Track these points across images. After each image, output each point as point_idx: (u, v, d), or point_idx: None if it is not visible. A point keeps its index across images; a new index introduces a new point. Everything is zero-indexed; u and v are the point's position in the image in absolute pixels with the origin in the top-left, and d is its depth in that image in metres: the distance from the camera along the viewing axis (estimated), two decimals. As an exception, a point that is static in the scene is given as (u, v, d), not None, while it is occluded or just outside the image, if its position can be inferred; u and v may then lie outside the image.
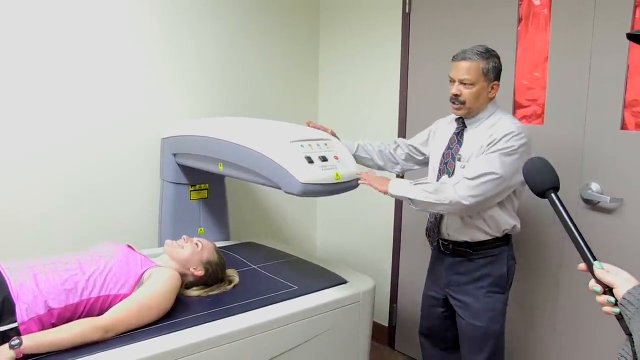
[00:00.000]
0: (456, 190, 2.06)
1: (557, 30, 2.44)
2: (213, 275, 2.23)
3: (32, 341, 1.64)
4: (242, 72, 3.25)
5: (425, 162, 2.49)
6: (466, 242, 2.24)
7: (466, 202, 2.04)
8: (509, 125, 2.09)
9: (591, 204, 2.37)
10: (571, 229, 1.11)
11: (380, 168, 2.60)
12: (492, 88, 2.17)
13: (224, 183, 3.03)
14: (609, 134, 2.30)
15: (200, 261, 2.20)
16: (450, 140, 2.29)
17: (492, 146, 2.07)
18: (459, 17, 2.81)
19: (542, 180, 1.24)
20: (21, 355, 1.61)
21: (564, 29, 2.42)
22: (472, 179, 2.05)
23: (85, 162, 2.70)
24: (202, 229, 2.93)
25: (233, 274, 2.35)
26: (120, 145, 2.81)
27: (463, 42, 2.72)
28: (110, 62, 2.72)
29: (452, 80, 2.18)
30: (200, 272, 2.18)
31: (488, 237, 2.21)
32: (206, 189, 2.94)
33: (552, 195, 1.19)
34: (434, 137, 2.44)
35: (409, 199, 2.13)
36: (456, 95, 2.16)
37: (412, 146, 2.53)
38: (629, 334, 0.96)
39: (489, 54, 2.14)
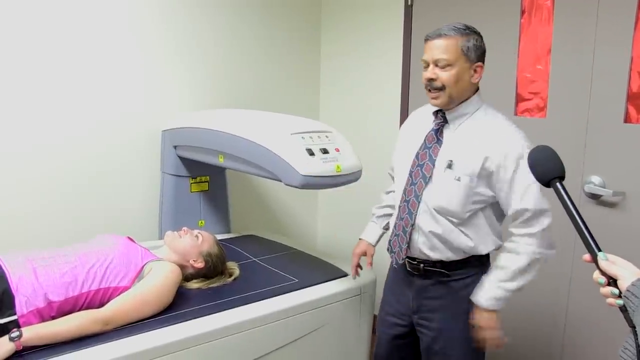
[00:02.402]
0: (539, 250, 1.80)
1: (561, 23, 2.42)
2: (213, 268, 2.23)
3: (32, 333, 1.64)
4: (244, 64, 3.24)
5: None
6: (440, 262, 1.94)
7: (553, 252, 1.85)
8: (516, 134, 1.83)
9: (594, 197, 2.36)
10: (576, 219, 1.10)
11: None
12: (475, 71, 1.83)
13: (225, 175, 3.02)
14: (612, 127, 2.29)
15: (200, 253, 2.19)
16: (427, 138, 1.93)
17: (519, 170, 1.77)
18: (461, 9, 2.80)
19: (548, 168, 1.22)
20: (21, 348, 1.61)
21: (567, 21, 2.40)
22: (540, 231, 1.79)
23: (86, 155, 2.69)
24: (203, 221, 2.93)
25: (233, 266, 2.35)
26: (121, 138, 2.80)
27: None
28: (111, 54, 2.71)
29: (426, 64, 1.84)
30: (200, 265, 2.18)
31: (466, 256, 1.93)
32: (207, 181, 2.94)
33: (558, 184, 1.18)
34: (404, 132, 2.11)
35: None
36: (431, 79, 1.82)
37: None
38: (633, 327, 0.96)
39: (469, 30, 1.81)
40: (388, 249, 2.06)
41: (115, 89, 2.75)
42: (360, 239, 2.26)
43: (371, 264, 2.22)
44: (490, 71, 2.63)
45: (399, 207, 1.98)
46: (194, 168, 2.85)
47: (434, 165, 1.88)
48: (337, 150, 2.25)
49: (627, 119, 2.26)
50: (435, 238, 1.90)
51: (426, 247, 1.92)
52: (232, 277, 2.28)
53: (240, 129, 2.36)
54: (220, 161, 2.50)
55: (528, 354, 2.68)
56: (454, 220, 1.87)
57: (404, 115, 3.14)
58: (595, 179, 2.35)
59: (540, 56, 2.52)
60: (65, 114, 2.60)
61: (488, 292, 1.84)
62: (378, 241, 2.24)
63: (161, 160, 2.90)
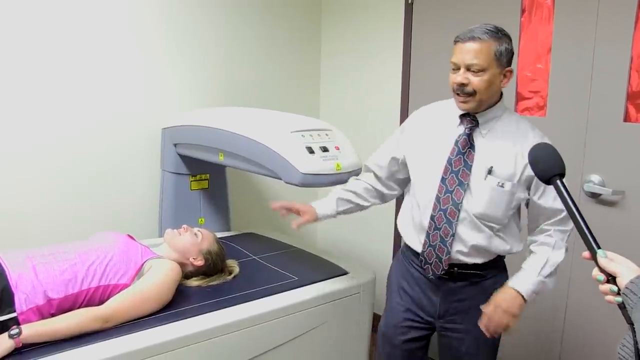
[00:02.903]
0: (561, 248, 1.82)
1: (561, 22, 2.42)
2: (213, 266, 2.23)
3: (31, 330, 1.64)
4: (244, 62, 3.24)
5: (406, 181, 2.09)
6: (475, 264, 1.88)
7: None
8: (544, 137, 1.78)
9: (593, 196, 2.36)
10: (576, 216, 1.11)
11: (364, 208, 2.17)
12: (505, 76, 1.78)
13: (225, 173, 3.02)
14: (612, 126, 2.29)
15: (200, 251, 2.19)
16: (460, 143, 1.83)
17: None
18: (461, 8, 2.80)
19: (549, 166, 1.22)
20: (20, 345, 1.61)
21: (567, 20, 2.40)
22: (569, 230, 1.82)
23: (86, 153, 2.70)
24: (203, 219, 2.93)
25: (233, 264, 2.35)
26: (121, 136, 2.80)
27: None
28: (112, 53, 2.71)
29: (457, 67, 1.76)
30: (200, 262, 2.18)
31: (494, 257, 1.91)
32: (207, 179, 2.94)
33: (558, 181, 1.18)
34: (418, 134, 1.98)
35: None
36: (463, 84, 1.74)
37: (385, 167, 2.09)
38: (631, 324, 0.96)
39: (501, 34, 1.73)
40: (420, 263, 1.92)
41: (116, 87, 2.75)
42: (311, 205, 2.13)
43: (298, 227, 2.10)
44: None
45: (433, 216, 1.85)
46: (194, 166, 2.85)
47: (470, 171, 1.80)
48: (337, 148, 2.25)
49: (626, 118, 2.26)
50: (476, 245, 1.83)
51: (463, 255, 1.85)
52: (232, 275, 2.28)
53: (241, 127, 2.36)
54: (221, 159, 2.50)
55: (528, 351, 2.68)
56: (495, 226, 1.83)
57: (404, 113, 3.13)
58: (595, 178, 2.35)
59: (540, 55, 2.52)
60: (66, 113, 2.60)
61: (529, 282, 1.80)
62: (321, 220, 2.12)
63: (161, 158, 2.90)
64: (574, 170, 2.39)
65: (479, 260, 1.86)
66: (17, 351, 1.60)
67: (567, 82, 2.42)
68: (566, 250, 1.83)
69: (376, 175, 2.12)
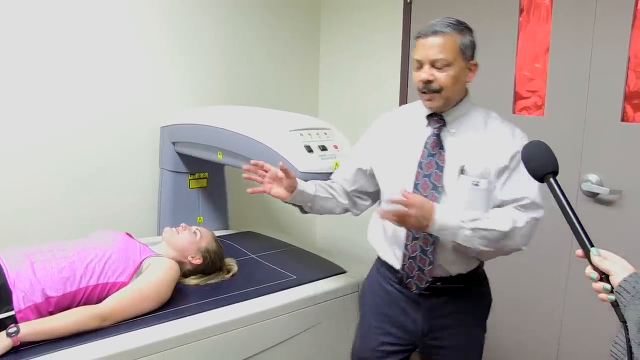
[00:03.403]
0: (521, 232, 1.65)
1: (559, 22, 2.43)
2: (211, 264, 2.23)
3: (29, 329, 1.64)
4: (243, 60, 3.24)
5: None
6: (459, 275, 1.78)
7: (524, 248, 1.70)
8: (516, 130, 1.74)
9: (591, 195, 2.37)
10: (569, 214, 1.10)
11: (344, 210, 2.02)
12: (470, 70, 1.72)
13: (224, 172, 3.03)
14: (609, 126, 2.29)
15: (198, 249, 2.20)
16: (429, 144, 1.74)
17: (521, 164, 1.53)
18: (460, 8, 2.80)
19: (542, 164, 1.22)
20: (18, 343, 1.61)
21: (565, 20, 2.40)
22: (532, 218, 1.66)
23: (85, 151, 2.70)
24: (201, 217, 2.93)
25: (232, 262, 2.35)
26: (119, 134, 2.80)
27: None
28: (111, 51, 2.72)
29: (420, 64, 1.69)
30: (198, 261, 2.18)
31: (478, 263, 1.83)
32: (205, 177, 2.94)
33: (551, 179, 1.18)
34: (383, 145, 1.88)
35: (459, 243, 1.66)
36: (429, 81, 1.67)
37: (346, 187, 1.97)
38: (624, 322, 0.96)
39: (463, 27, 1.69)
40: (402, 277, 1.81)
41: (115, 85, 2.75)
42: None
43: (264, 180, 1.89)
44: (489, 69, 2.64)
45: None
46: (193, 164, 2.85)
47: (442, 172, 1.71)
48: (336, 147, 2.26)
49: (624, 118, 2.26)
50: (459, 250, 1.72)
51: (448, 263, 1.75)
52: (230, 274, 2.28)
53: (239, 125, 2.36)
54: (219, 158, 2.50)
55: (525, 351, 2.69)
56: None
57: (403, 112, 3.14)
58: (593, 177, 2.35)
59: (538, 54, 2.52)
60: (64, 111, 2.61)
61: (449, 217, 1.63)
62: (296, 193, 1.86)
63: (160, 156, 2.91)
64: (571, 170, 2.40)
65: (463, 269, 1.77)
66: (15, 349, 1.60)
67: (565, 81, 2.42)
68: (519, 230, 1.64)
69: (344, 189, 1.98)
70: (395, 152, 1.82)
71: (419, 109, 1.81)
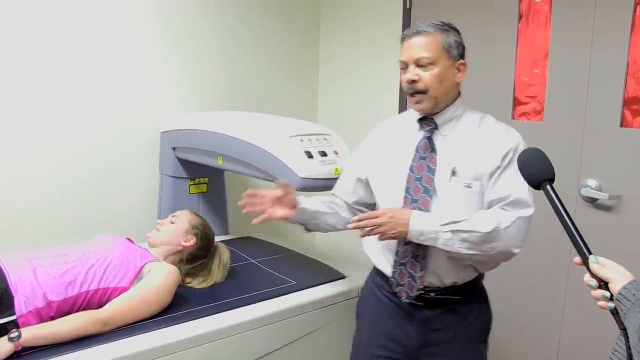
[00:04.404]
0: (508, 233, 1.59)
1: (558, 27, 2.44)
2: (205, 235, 2.25)
3: (31, 334, 1.64)
4: (242, 65, 3.25)
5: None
6: (454, 287, 1.74)
7: (517, 251, 1.63)
8: (512, 130, 1.72)
9: (590, 201, 2.37)
10: (566, 222, 1.10)
11: (341, 220, 1.96)
12: (458, 69, 1.70)
13: (224, 177, 3.03)
14: (609, 131, 2.30)
15: (185, 231, 2.20)
16: (420, 147, 1.73)
17: (512, 163, 1.62)
18: (459, 13, 2.80)
19: (538, 171, 1.21)
20: (20, 348, 1.61)
21: (564, 25, 2.41)
22: (518, 217, 1.61)
23: (85, 156, 2.70)
24: (201, 223, 2.93)
25: (222, 247, 2.35)
26: (119, 139, 2.81)
27: (463, 38, 2.71)
28: (110, 55, 2.72)
29: (405, 65, 1.71)
30: (192, 241, 2.19)
31: (475, 276, 1.77)
32: (205, 183, 2.94)
33: (548, 186, 1.18)
34: (376, 153, 1.88)
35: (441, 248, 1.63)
36: (413, 81, 1.67)
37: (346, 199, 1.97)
38: (624, 329, 0.97)
39: (447, 27, 1.71)
40: (392, 284, 1.77)
41: (114, 90, 2.76)
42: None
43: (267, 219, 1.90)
44: (488, 74, 2.66)
45: None
46: (193, 170, 2.86)
47: (434, 175, 1.68)
48: (336, 152, 2.26)
49: (623, 123, 2.27)
50: (451, 257, 1.67)
51: (440, 269, 1.70)
52: (226, 262, 2.29)
53: (239, 131, 2.37)
54: (219, 163, 2.51)
55: (525, 355, 2.69)
56: None
57: (402, 118, 3.14)
58: (592, 183, 2.36)
59: (537, 60, 2.53)
60: (64, 116, 2.61)
61: (426, 221, 1.62)
62: (298, 211, 1.88)
63: (160, 161, 2.91)
64: (570, 175, 2.40)
65: (457, 279, 1.73)
66: (16, 354, 1.60)
67: (564, 87, 2.43)
68: (504, 230, 1.59)
69: (345, 203, 1.97)
70: (388, 158, 1.82)
71: (412, 115, 1.81)
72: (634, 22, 2.20)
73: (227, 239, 2.90)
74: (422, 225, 1.61)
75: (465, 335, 1.78)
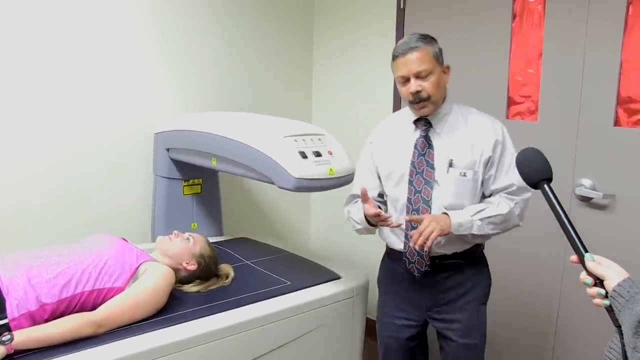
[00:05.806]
0: (516, 212, 1.92)
1: (552, 27, 2.44)
2: (207, 269, 2.23)
3: (23, 337, 1.63)
4: (236, 67, 3.24)
5: None
6: (455, 253, 2.00)
7: (521, 224, 1.98)
8: (495, 121, 1.98)
9: (584, 200, 2.38)
10: (563, 221, 1.12)
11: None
12: (445, 73, 1.95)
13: (218, 178, 3.03)
14: (602, 131, 2.31)
15: (192, 255, 2.19)
16: (418, 145, 1.98)
17: (505, 152, 1.93)
18: (453, 13, 2.81)
19: (535, 170, 1.24)
20: (12, 351, 1.60)
21: (558, 25, 2.42)
22: (522, 199, 1.93)
23: (78, 157, 2.69)
24: (196, 224, 2.93)
25: (227, 268, 2.34)
26: (113, 140, 2.80)
27: (458, 38, 2.74)
28: (104, 57, 2.71)
29: (405, 79, 1.92)
30: (193, 267, 2.18)
31: (471, 246, 2.01)
32: (199, 184, 2.94)
33: (545, 186, 1.19)
34: (381, 149, 2.11)
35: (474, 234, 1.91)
36: (418, 92, 1.89)
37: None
38: (619, 326, 0.97)
39: (429, 38, 1.92)
40: (406, 260, 2.01)
41: (108, 91, 2.74)
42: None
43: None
44: (482, 74, 2.67)
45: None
46: (187, 171, 2.85)
47: (433, 169, 1.94)
48: (330, 153, 2.26)
49: (617, 123, 2.28)
50: (451, 235, 1.91)
51: (442, 247, 1.97)
52: (230, 279, 2.28)
53: (233, 131, 2.36)
54: (213, 164, 2.50)
55: (521, 353, 2.69)
56: None
57: (397, 118, 3.15)
58: (586, 182, 2.37)
59: (531, 60, 2.53)
60: (58, 117, 2.60)
61: (460, 216, 1.89)
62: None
63: (154, 162, 2.90)
64: (565, 174, 2.41)
65: (457, 248, 1.98)
66: (8, 358, 1.59)
67: (558, 86, 2.44)
68: (514, 210, 1.92)
69: (374, 199, 2.10)
70: (391, 156, 2.06)
71: (406, 116, 2.07)
72: (627, 22, 2.21)
73: (222, 240, 2.89)
74: (459, 219, 1.88)
75: (469, 296, 2.03)
